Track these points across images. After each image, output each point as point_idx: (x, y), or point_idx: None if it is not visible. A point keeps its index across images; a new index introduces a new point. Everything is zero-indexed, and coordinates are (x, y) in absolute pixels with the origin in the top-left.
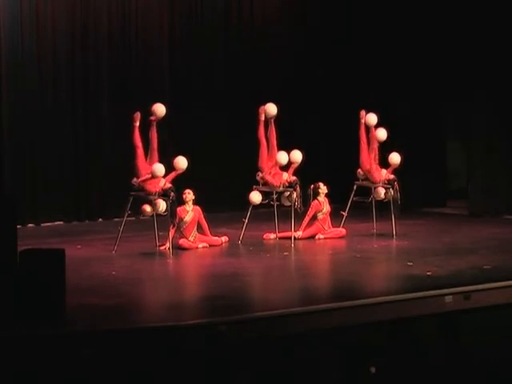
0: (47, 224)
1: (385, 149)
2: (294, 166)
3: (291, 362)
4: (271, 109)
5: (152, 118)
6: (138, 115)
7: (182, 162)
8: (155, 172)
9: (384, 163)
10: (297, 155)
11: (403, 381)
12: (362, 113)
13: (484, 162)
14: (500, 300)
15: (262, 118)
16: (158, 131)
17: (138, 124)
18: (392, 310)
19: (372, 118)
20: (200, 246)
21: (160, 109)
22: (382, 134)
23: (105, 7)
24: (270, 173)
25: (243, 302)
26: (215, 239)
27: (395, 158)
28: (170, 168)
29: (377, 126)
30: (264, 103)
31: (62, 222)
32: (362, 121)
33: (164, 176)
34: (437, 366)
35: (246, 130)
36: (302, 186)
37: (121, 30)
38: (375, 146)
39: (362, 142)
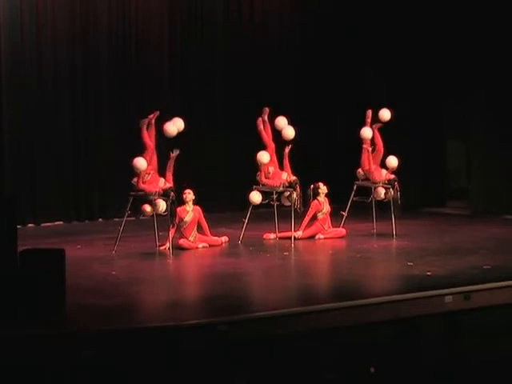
0: (47, 224)
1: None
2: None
3: (291, 362)
4: (289, 132)
5: (150, 115)
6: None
7: (170, 128)
8: (138, 167)
9: (382, 165)
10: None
11: (403, 381)
12: (369, 112)
13: (484, 162)
14: (500, 300)
15: (266, 118)
16: (156, 129)
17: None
18: (392, 310)
19: (386, 114)
20: (200, 246)
21: (171, 130)
22: (386, 114)
23: (105, 7)
24: (269, 173)
25: (243, 301)
26: (215, 239)
27: (393, 161)
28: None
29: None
30: (264, 103)
31: (61, 222)
32: (368, 120)
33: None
34: (437, 365)
35: (246, 130)
36: (302, 186)
37: (121, 30)
38: (380, 145)
39: (365, 143)
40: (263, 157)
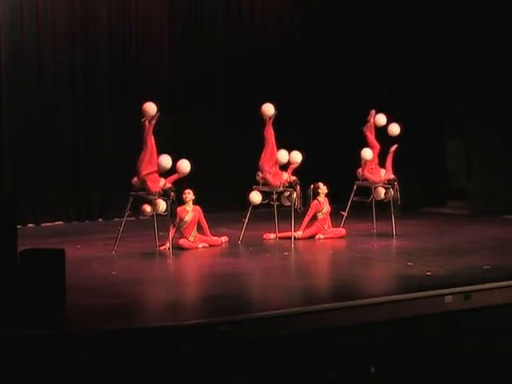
0: (47, 224)
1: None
2: (293, 166)
3: (291, 362)
4: (269, 109)
5: (152, 121)
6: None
7: (184, 166)
8: (163, 165)
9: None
10: (296, 156)
11: (403, 381)
12: (373, 112)
13: (484, 162)
14: (500, 300)
15: (266, 117)
16: (154, 134)
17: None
18: (392, 310)
19: (381, 119)
20: (200, 245)
21: (151, 108)
22: (395, 128)
23: (105, 7)
24: (270, 172)
25: (243, 302)
26: (215, 239)
27: (395, 128)
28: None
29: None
30: (264, 103)
31: (61, 222)
32: (372, 120)
33: (165, 177)
34: (437, 365)
35: (246, 130)
36: (302, 186)
37: (121, 30)
38: (377, 145)
39: (370, 141)
40: (282, 155)
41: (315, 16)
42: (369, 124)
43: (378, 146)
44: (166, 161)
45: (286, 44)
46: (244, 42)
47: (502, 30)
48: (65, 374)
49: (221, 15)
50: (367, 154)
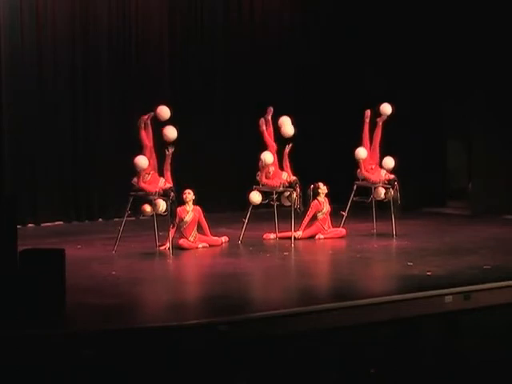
0: (47, 224)
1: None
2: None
3: (291, 362)
4: (288, 129)
5: (145, 116)
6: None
7: (164, 111)
8: (139, 166)
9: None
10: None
11: (403, 381)
12: (367, 112)
13: (484, 162)
14: (500, 300)
15: (269, 118)
16: (153, 129)
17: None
18: (392, 310)
19: (387, 108)
20: (200, 245)
21: (164, 111)
22: (387, 108)
23: (105, 7)
24: (270, 173)
25: (243, 302)
26: (215, 239)
27: (389, 162)
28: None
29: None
30: (265, 103)
31: (61, 222)
32: (367, 120)
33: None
34: (437, 366)
35: (246, 130)
36: (302, 186)
37: (121, 30)
38: (377, 144)
39: (364, 142)
40: (267, 157)
41: (315, 16)
42: (365, 124)
43: (375, 142)
44: (142, 161)
45: (286, 44)
46: (244, 42)
47: (501, 29)
48: (65, 374)
49: (221, 15)
50: (361, 153)
